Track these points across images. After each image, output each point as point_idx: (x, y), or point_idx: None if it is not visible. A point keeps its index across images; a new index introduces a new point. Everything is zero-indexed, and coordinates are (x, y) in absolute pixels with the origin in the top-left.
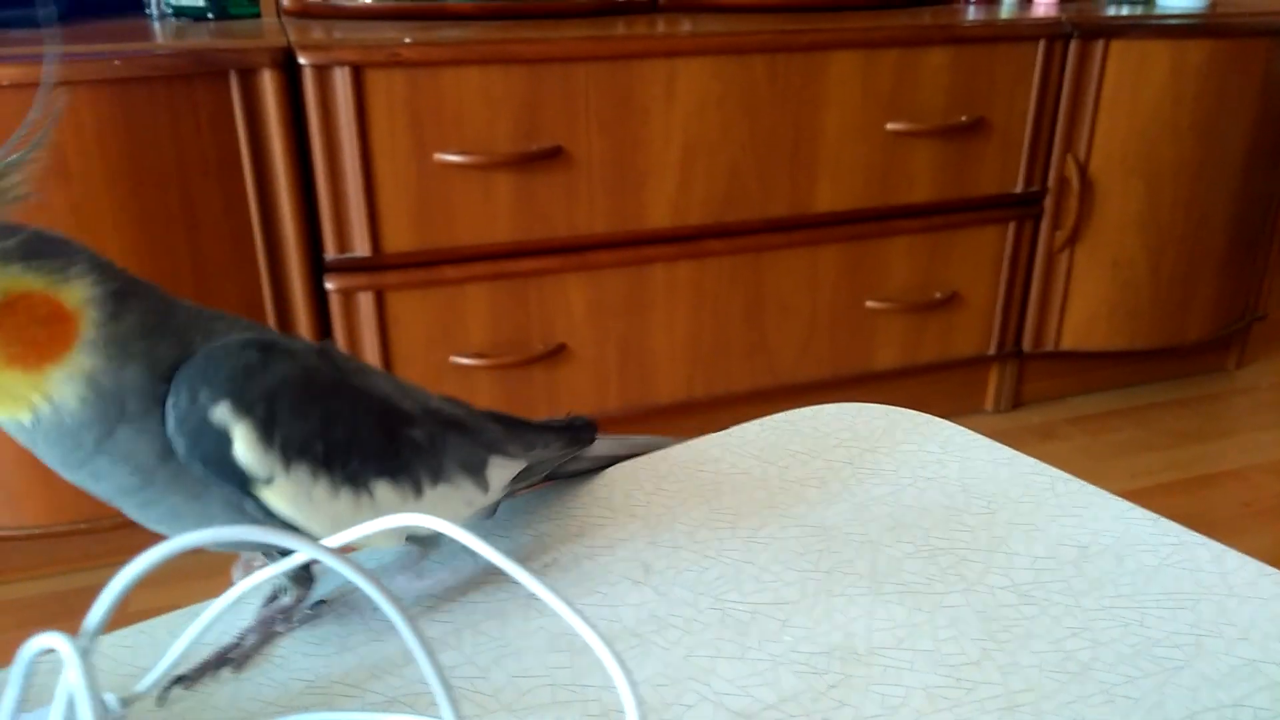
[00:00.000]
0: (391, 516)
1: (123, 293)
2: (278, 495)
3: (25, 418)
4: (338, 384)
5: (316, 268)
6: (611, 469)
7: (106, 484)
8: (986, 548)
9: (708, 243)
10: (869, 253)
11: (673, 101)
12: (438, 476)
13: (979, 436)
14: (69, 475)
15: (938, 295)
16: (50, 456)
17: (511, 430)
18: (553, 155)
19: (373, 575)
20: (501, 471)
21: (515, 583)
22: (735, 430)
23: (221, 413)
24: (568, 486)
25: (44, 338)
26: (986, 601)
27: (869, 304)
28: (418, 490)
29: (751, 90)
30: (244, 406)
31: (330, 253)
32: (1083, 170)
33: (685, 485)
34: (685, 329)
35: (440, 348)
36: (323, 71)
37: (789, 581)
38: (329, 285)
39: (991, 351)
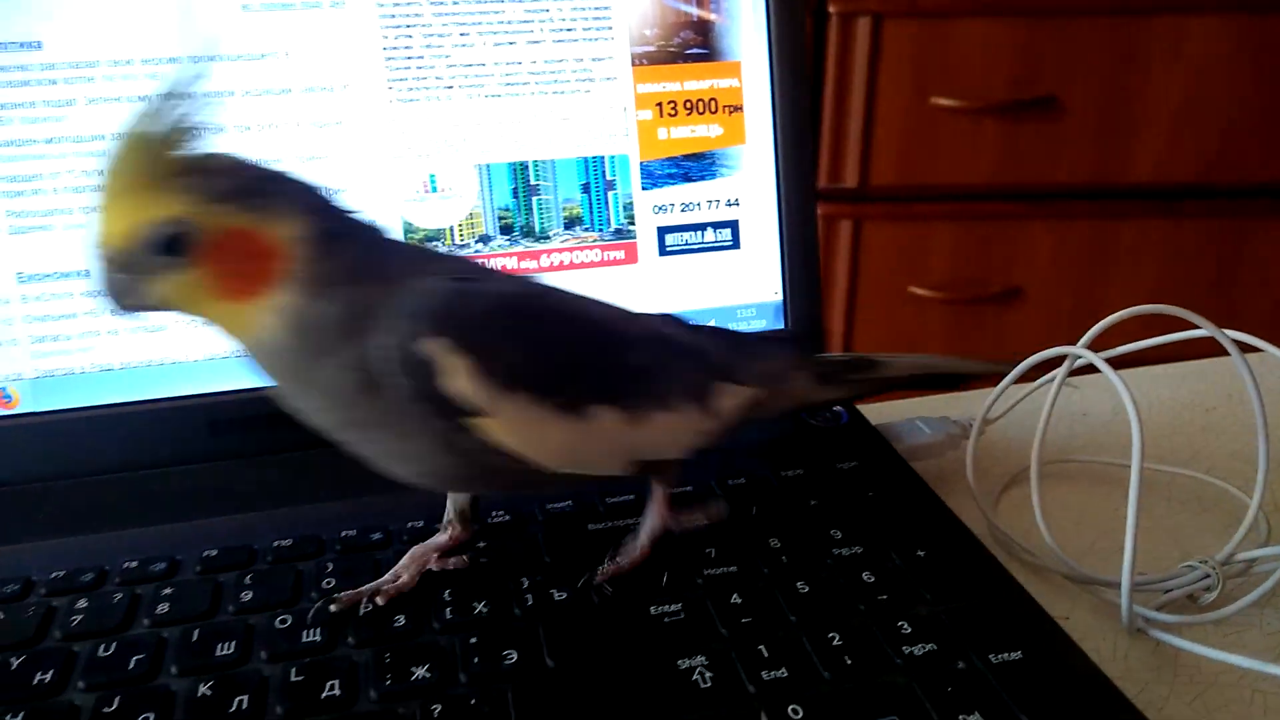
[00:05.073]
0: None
1: (333, 234)
2: (498, 427)
3: (249, 343)
4: (550, 310)
5: None
6: None
7: (320, 416)
8: None
9: (1188, 203)
10: None
11: (1177, 57)
12: (660, 402)
13: None
14: (296, 404)
15: None
16: (277, 382)
17: (737, 351)
18: (1044, 104)
19: None
20: (732, 399)
21: None
22: None
23: (430, 346)
24: None
25: (252, 273)
26: None
27: None
28: (640, 416)
29: (1266, 48)
30: (453, 338)
31: (822, 182)
32: None
33: None
34: (1148, 287)
35: (902, 277)
36: (848, 20)
37: None
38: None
39: None
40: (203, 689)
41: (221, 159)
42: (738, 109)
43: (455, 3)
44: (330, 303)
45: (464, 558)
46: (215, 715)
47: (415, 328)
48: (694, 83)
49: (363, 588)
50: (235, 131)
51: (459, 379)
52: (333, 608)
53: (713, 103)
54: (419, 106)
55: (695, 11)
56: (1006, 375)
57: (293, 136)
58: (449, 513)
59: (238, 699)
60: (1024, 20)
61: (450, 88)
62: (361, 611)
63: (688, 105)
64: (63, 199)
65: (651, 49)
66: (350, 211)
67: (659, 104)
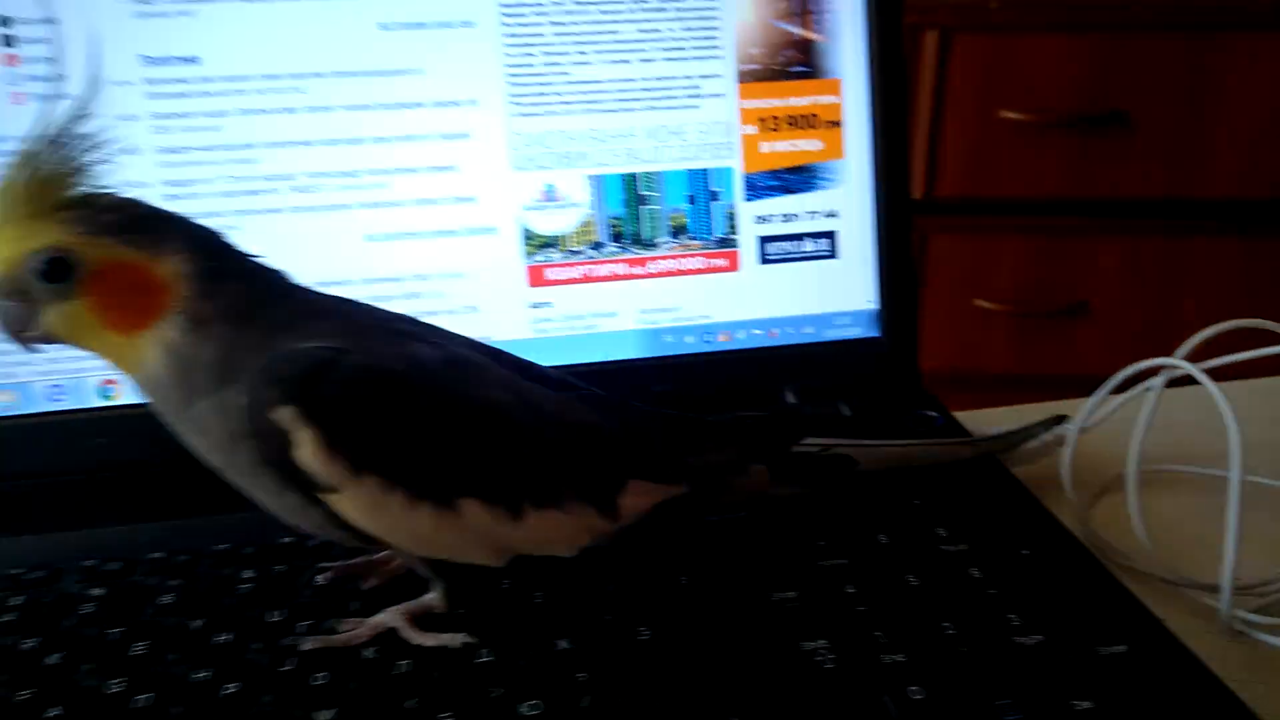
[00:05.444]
0: None
1: (218, 273)
2: (347, 504)
3: (134, 376)
4: (431, 390)
5: None
6: None
7: (204, 456)
8: None
9: (1262, 221)
10: None
11: (1251, 74)
12: (546, 499)
13: None
14: (184, 441)
15: None
16: (164, 418)
17: (676, 442)
18: (1114, 119)
19: None
20: (640, 498)
21: None
22: None
23: (284, 416)
24: None
25: (137, 306)
26: None
27: None
28: (516, 512)
29: None
30: (308, 411)
31: None
32: None
33: None
34: (1221, 303)
35: (967, 290)
36: (915, 32)
37: None
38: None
39: None
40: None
41: (108, 197)
42: (837, 124)
43: (574, 24)
44: (206, 344)
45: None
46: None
47: (270, 392)
48: (796, 99)
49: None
50: (372, 143)
51: (305, 451)
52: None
53: (814, 118)
54: (539, 120)
55: (799, 31)
56: (980, 450)
57: (424, 148)
58: None
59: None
60: (1095, 36)
61: (568, 103)
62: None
63: (790, 120)
64: (215, 203)
65: (757, 67)
66: (247, 256)
67: (762, 119)
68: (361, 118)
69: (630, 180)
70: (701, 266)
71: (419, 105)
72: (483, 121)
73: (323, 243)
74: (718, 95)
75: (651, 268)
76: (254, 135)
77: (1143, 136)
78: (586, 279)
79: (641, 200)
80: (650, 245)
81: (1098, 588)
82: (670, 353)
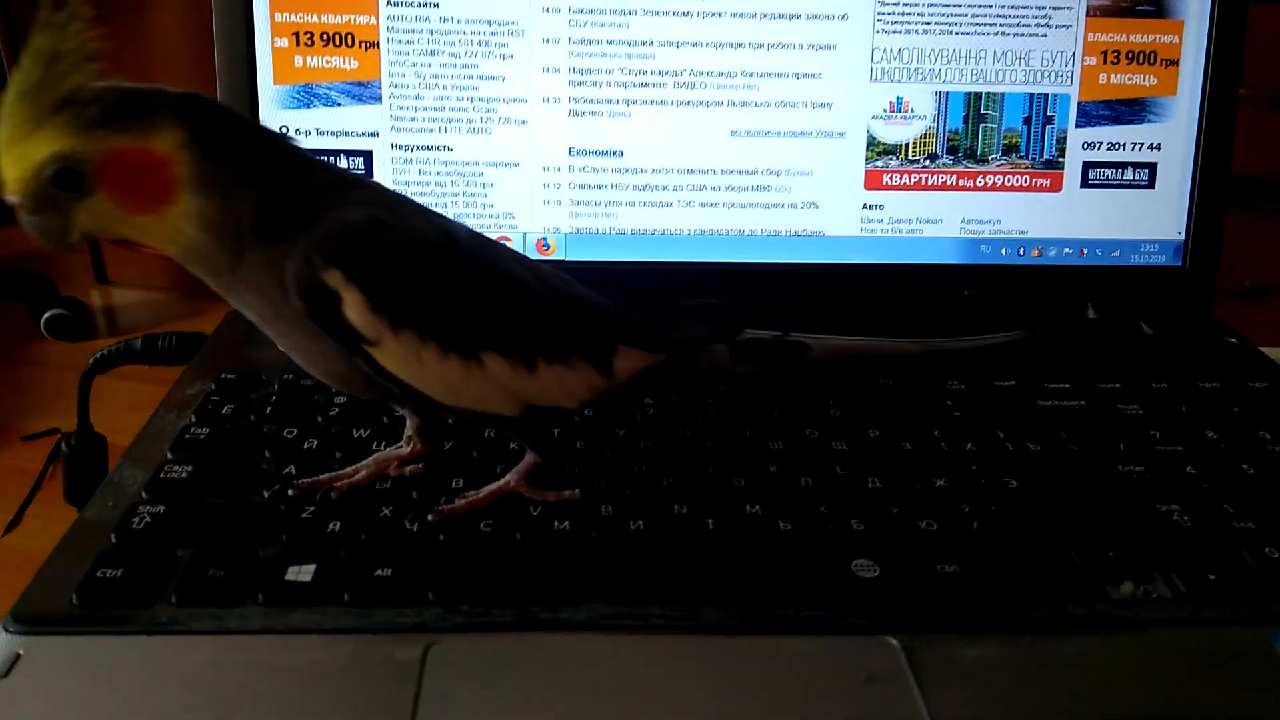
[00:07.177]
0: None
1: (218, 137)
2: (385, 355)
3: (173, 251)
4: (455, 259)
5: None
6: None
7: (250, 310)
8: None
9: None
10: None
11: None
12: (554, 355)
13: None
14: (227, 299)
15: None
16: (206, 281)
17: (654, 318)
18: None
19: None
20: (629, 361)
21: None
22: None
23: (333, 278)
24: None
25: (150, 185)
26: None
27: None
28: (530, 365)
29: None
30: (353, 274)
31: None
32: None
33: None
34: None
35: None
36: None
37: None
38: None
39: None
40: None
41: (88, 89)
42: (1174, 63)
43: None
44: (240, 204)
45: (419, 466)
46: None
47: (322, 256)
48: (1138, 35)
49: (321, 476)
50: (749, 48)
51: (350, 309)
52: (290, 492)
53: (1152, 55)
54: (898, 38)
55: None
56: (927, 349)
57: (794, 55)
58: (408, 429)
59: None
60: None
61: (928, 23)
62: (317, 497)
63: (1129, 55)
64: (611, 91)
65: (1106, 2)
66: (244, 119)
67: (1104, 52)
68: (744, 24)
69: (973, 99)
70: (1026, 185)
71: (795, 16)
72: (849, 35)
73: (695, 135)
74: (1066, 26)
75: (979, 182)
76: (653, 33)
77: None
78: (918, 186)
79: (981, 118)
80: (982, 161)
81: None
82: (984, 261)
